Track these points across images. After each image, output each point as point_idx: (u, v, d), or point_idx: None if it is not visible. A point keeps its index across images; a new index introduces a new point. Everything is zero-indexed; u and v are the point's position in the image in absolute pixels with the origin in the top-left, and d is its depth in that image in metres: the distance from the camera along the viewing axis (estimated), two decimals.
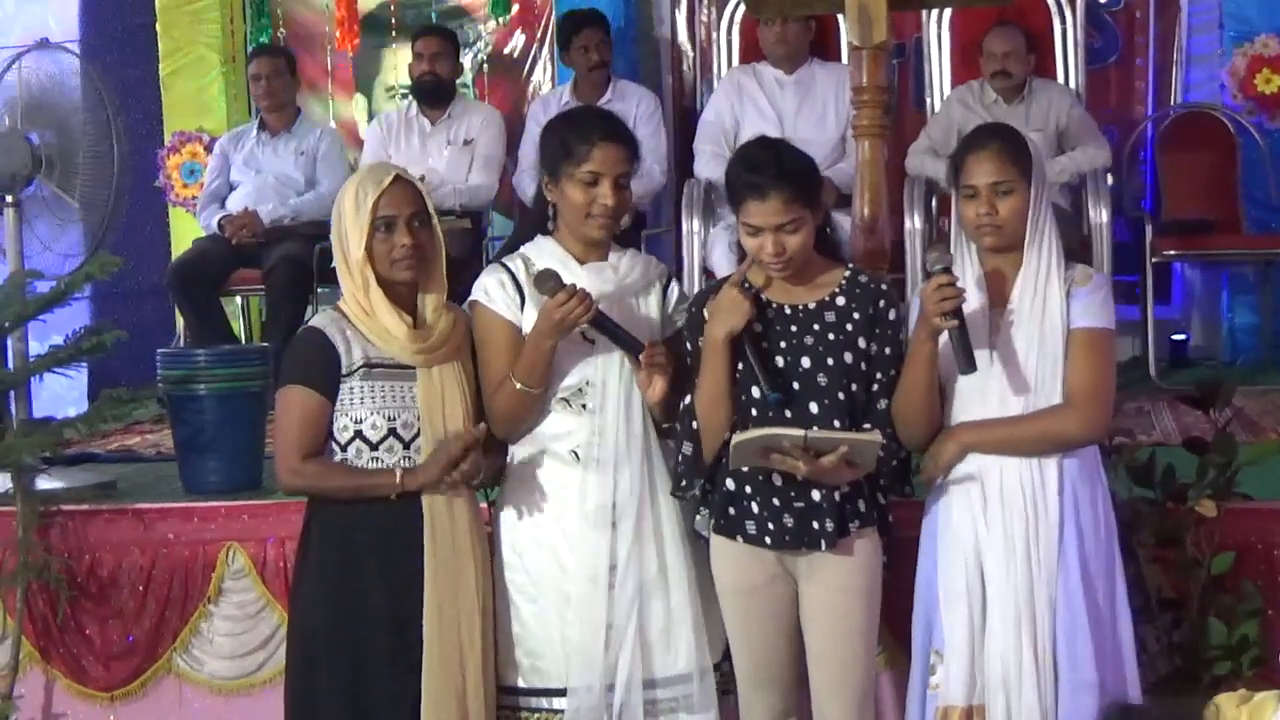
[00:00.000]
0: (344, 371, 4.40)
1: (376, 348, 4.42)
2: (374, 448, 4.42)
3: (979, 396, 4.36)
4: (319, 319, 4.53)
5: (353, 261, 4.40)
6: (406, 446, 4.43)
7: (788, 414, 4.34)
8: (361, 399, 4.41)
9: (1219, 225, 8.28)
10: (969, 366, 4.25)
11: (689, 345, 4.50)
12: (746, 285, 4.42)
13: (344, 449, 4.44)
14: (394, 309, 4.41)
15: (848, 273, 4.52)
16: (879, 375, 4.42)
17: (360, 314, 4.43)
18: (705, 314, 4.42)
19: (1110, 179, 7.78)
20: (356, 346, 4.41)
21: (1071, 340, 4.39)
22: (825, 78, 7.55)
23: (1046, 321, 4.37)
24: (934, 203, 7.44)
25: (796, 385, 4.37)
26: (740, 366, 4.38)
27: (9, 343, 5.91)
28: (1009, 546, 4.33)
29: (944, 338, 4.25)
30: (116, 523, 5.71)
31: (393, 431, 4.42)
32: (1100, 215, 7.44)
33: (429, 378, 4.44)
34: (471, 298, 4.62)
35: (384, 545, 4.42)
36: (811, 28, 7.66)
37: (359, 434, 4.42)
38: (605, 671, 4.47)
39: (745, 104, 7.57)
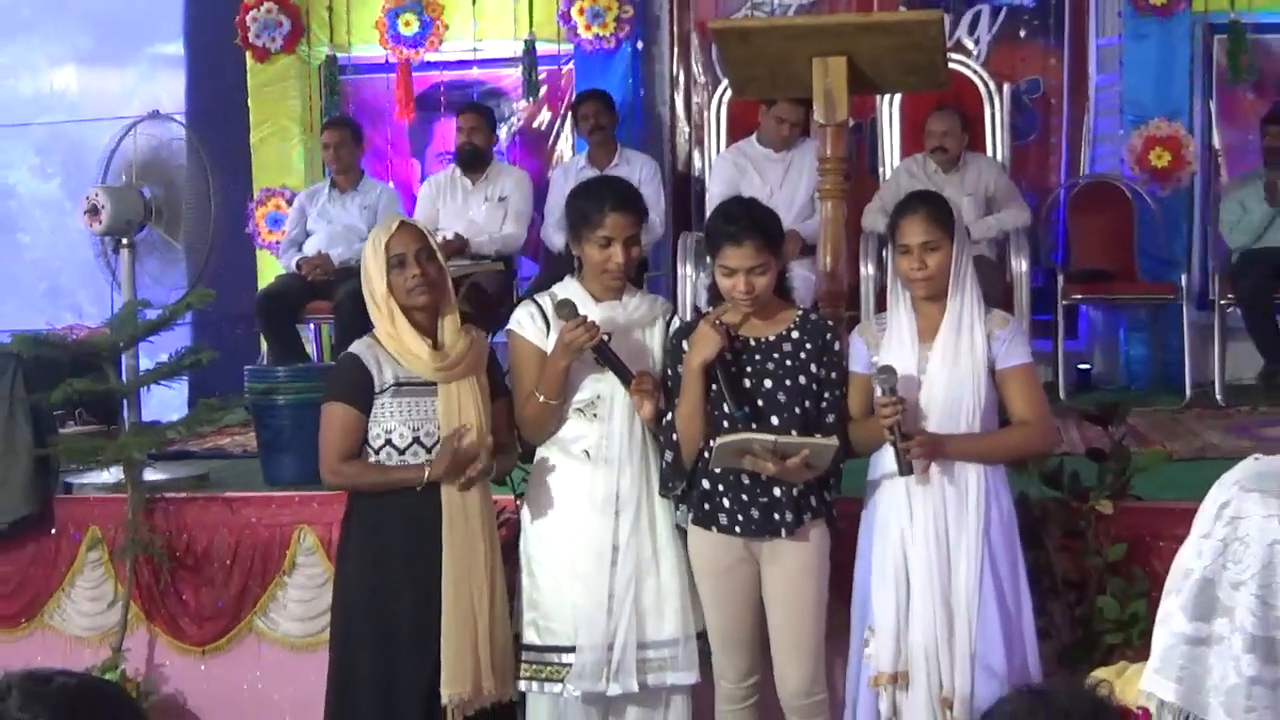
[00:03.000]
0: (377, 390, 4.46)
1: (404, 368, 4.46)
2: (401, 452, 4.48)
3: (915, 415, 4.38)
4: (356, 346, 4.57)
5: (379, 296, 4.46)
6: (428, 451, 4.48)
7: (754, 426, 4.37)
8: (391, 413, 4.47)
9: (1118, 275, 8.29)
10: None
11: (669, 370, 4.56)
12: (720, 323, 4.47)
13: (377, 453, 4.49)
14: (417, 333, 4.46)
15: (800, 312, 4.59)
16: (827, 395, 4.48)
17: (389, 340, 4.47)
18: (685, 346, 4.47)
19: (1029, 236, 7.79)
20: (387, 368, 4.46)
21: (1008, 379, 4.45)
22: (802, 153, 7.56)
23: (970, 357, 4.41)
24: (885, 254, 7.44)
25: (761, 403, 4.42)
26: (715, 388, 4.41)
27: (123, 360, 5.93)
28: (928, 540, 4.35)
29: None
30: (209, 508, 5.74)
31: (416, 439, 4.47)
32: (1021, 265, 7.47)
33: (448, 392, 4.49)
34: (508, 327, 4.68)
35: (410, 532, 4.46)
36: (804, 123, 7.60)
37: (389, 441, 4.47)
38: (606, 634, 4.51)
39: (743, 177, 7.59)
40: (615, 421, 4.56)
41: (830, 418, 4.47)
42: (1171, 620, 2.62)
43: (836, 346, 4.53)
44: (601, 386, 4.55)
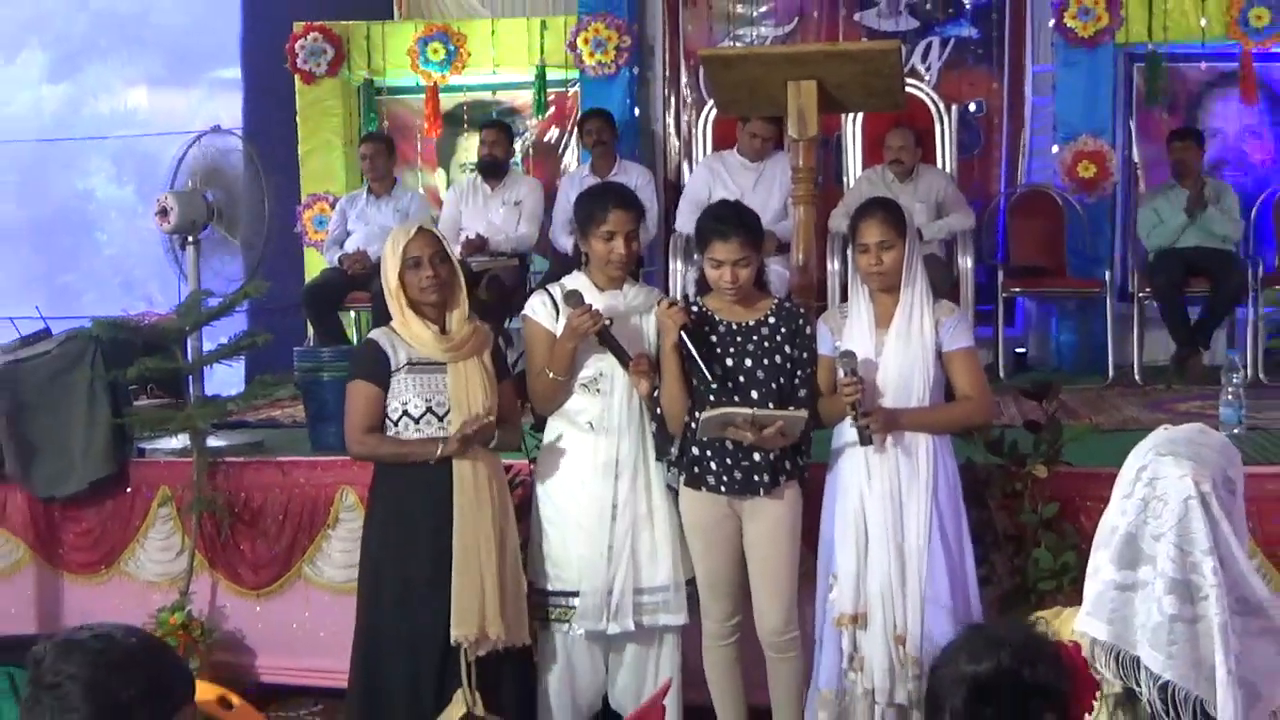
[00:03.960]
0: (393, 368, 4.46)
1: (416, 350, 4.46)
2: (416, 422, 4.46)
3: (873, 392, 4.40)
4: (375, 332, 4.60)
5: (393, 290, 4.49)
6: (440, 420, 4.46)
7: (736, 399, 4.39)
8: (407, 387, 4.46)
9: (1050, 271, 8.30)
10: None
11: (658, 351, 4.56)
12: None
13: (395, 424, 4.48)
14: (423, 322, 4.48)
15: (776, 301, 4.61)
16: (799, 373, 4.49)
17: (401, 326, 4.49)
18: None
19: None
20: (401, 350, 4.46)
21: (952, 360, 4.46)
22: (773, 163, 7.54)
23: (920, 341, 4.43)
24: (848, 252, 7.46)
25: (741, 379, 4.44)
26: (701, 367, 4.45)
27: (189, 342, 5.93)
28: (884, 500, 4.36)
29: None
30: (263, 470, 5.75)
31: (429, 410, 4.46)
32: (966, 263, 7.48)
33: (456, 370, 4.49)
34: (523, 312, 4.69)
35: (427, 497, 4.45)
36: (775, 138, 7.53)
37: (405, 412, 4.46)
38: (607, 580, 4.53)
39: (716, 181, 7.55)
40: (615, 396, 4.57)
41: (802, 393, 4.48)
42: (1101, 571, 2.65)
43: (807, 331, 4.54)
44: (603, 365, 4.55)
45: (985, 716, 2.03)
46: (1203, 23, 8.37)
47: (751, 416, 4.30)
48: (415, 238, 4.46)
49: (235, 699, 3.59)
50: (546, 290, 4.67)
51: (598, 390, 4.57)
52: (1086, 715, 2.09)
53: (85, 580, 5.87)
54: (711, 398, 4.40)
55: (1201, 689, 2.52)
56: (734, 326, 4.51)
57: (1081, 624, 2.66)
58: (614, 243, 4.52)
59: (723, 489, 4.45)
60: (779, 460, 4.42)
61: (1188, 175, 7.85)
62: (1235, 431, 5.60)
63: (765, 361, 4.46)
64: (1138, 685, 2.57)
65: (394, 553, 4.50)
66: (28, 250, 13.96)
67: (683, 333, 4.38)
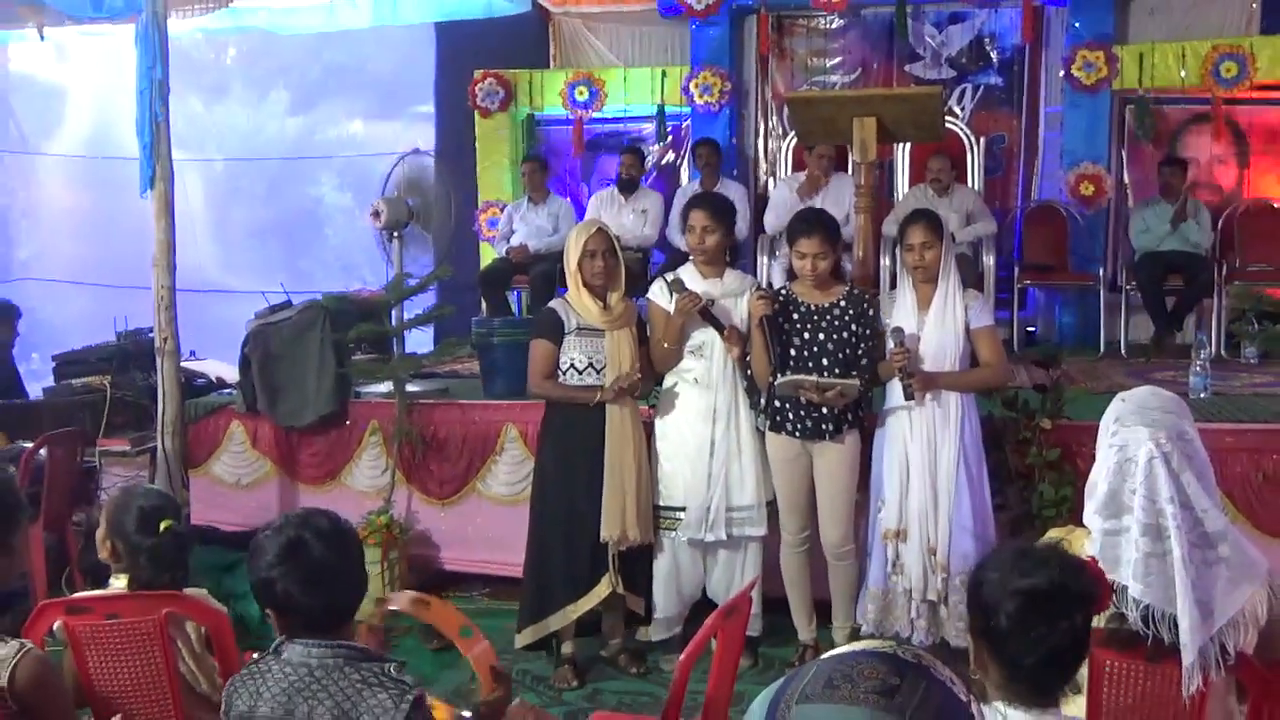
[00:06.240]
0: (566, 331, 4.49)
1: (583, 319, 4.49)
2: (580, 374, 4.51)
3: (915, 359, 4.36)
4: (554, 302, 4.63)
5: (571, 272, 4.51)
6: (598, 374, 4.50)
7: (810, 366, 4.38)
8: (574, 346, 4.50)
9: (1056, 268, 8.12)
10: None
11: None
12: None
13: (564, 374, 4.52)
14: (592, 298, 4.50)
15: (847, 288, 4.56)
16: (862, 346, 4.44)
17: (575, 299, 4.52)
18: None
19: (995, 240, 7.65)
20: (572, 318, 4.49)
21: (977, 335, 4.41)
22: (839, 182, 7.45)
23: (952, 320, 4.39)
24: (897, 250, 7.37)
25: (816, 349, 4.42)
26: (783, 338, 4.42)
27: (393, 312, 6.01)
28: (922, 442, 4.33)
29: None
30: (448, 410, 5.78)
31: (590, 365, 4.50)
32: (989, 260, 7.35)
33: (612, 337, 4.52)
34: (647, 295, 4.71)
35: (585, 431, 4.50)
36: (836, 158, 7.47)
37: (572, 365, 4.51)
38: (705, 499, 4.55)
39: (792, 195, 7.47)
40: (714, 359, 4.57)
41: (864, 362, 4.45)
42: (1092, 521, 2.68)
43: (870, 313, 4.50)
44: (706, 335, 4.56)
45: (1033, 622, 2.01)
46: (1182, 74, 8.13)
47: (816, 382, 4.29)
48: (594, 235, 4.50)
49: (431, 600, 3.09)
50: (663, 278, 4.66)
51: (701, 355, 4.58)
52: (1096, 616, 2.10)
53: (315, 489, 5.98)
54: (792, 364, 4.40)
55: (1172, 608, 2.52)
56: (812, 307, 4.47)
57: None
58: (696, 236, 4.53)
59: (797, 434, 4.44)
60: (842, 413, 4.41)
61: (1172, 194, 7.67)
62: (1201, 396, 5.46)
63: (835, 337, 4.43)
64: (1126, 609, 2.57)
65: (559, 471, 4.56)
66: (274, 241, 14.28)
67: (765, 319, 4.37)
